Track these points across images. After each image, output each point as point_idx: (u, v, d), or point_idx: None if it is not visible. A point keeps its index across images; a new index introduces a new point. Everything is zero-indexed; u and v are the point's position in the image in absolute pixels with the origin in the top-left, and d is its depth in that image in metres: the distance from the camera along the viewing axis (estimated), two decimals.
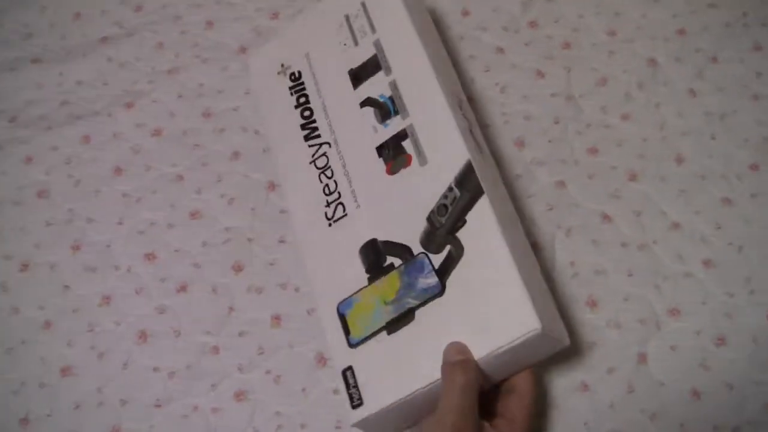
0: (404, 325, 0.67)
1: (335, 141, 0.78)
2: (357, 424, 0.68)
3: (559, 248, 0.85)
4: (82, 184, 0.92)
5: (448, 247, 0.68)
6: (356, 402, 0.67)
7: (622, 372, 0.80)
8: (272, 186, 0.90)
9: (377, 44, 0.79)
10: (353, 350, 0.69)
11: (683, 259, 0.84)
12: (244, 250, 0.88)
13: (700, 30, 0.97)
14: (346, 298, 0.71)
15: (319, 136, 0.80)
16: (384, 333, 0.68)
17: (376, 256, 0.71)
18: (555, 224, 0.87)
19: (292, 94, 0.83)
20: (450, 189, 0.69)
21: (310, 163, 0.79)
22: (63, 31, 1.03)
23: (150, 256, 0.88)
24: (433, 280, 0.67)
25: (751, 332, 0.81)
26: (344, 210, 0.75)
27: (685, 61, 0.95)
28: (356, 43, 0.81)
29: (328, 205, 0.76)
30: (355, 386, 0.68)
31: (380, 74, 0.78)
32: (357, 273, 0.72)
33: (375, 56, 0.79)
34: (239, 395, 0.81)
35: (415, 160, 0.73)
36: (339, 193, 0.76)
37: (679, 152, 0.90)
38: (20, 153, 0.95)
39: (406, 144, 0.74)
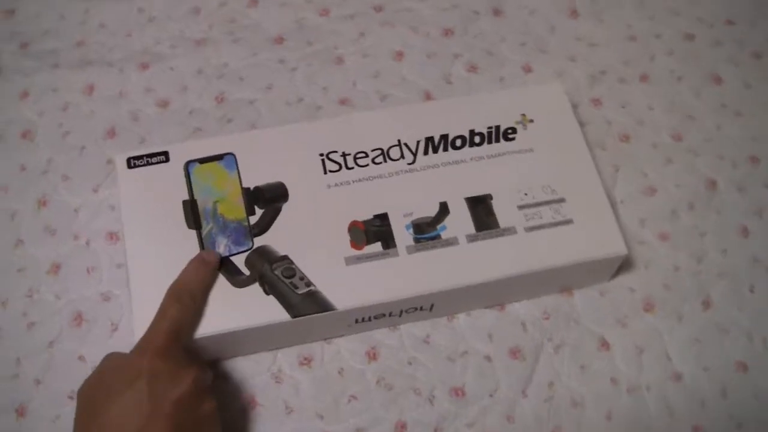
0: (189, 223, 0.72)
1: (413, 164, 0.77)
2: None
3: (542, 363, 0.76)
4: (71, 137, 0.85)
5: (247, 274, 0.71)
6: (132, 165, 0.75)
7: None
8: None
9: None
10: (182, 164, 0.74)
11: (674, 416, 0.75)
12: None
13: None
14: (237, 166, 0.75)
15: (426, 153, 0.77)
16: (187, 199, 0.73)
17: (270, 198, 0.74)
18: (546, 335, 0.77)
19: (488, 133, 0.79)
20: (308, 284, 0.70)
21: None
22: None
23: (113, 236, 0.80)
24: (222, 250, 0.72)
25: None
26: (333, 169, 0.76)
27: (748, 193, 0.85)
28: (521, 206, 0.75)
29: (343, 155, 0.77)
30: (147, 163, 0.75)
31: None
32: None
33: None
34: None
35: (361, 252, 0.73)
36: (345, 166, 0.76)
37: (709, 295, 0.80)
38: (18, 85, 0.88)
39: (376, 244, 0.73)
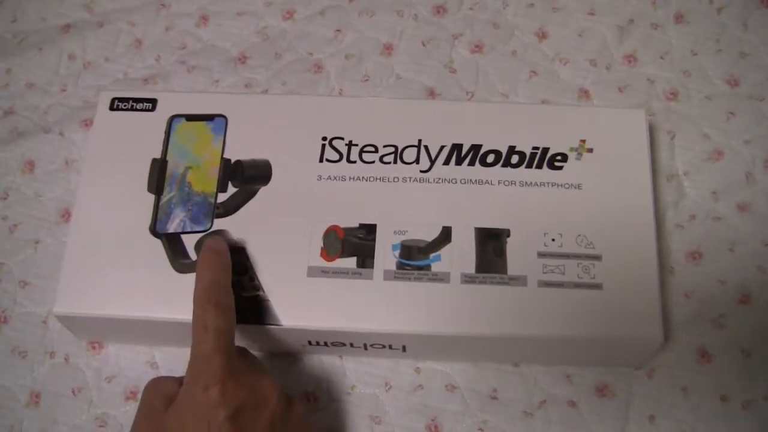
0: (151, 186, 0.64)
1: (427, 173, 0.64)
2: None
3: (636, 394, 0.63)
4: (19, 233, 0.71)
5: (194, 259, 0.61)
6: (115, 107, 0.67)
7: None
8: None
9: None
10: (166, 117, 0.66)
11: None
12: None
13: None
14: (225, 131, 0.65)
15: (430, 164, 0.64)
16: (158, 158, 0.64)
17: (249, 177, 0.64)
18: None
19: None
20: (256, 288, 0.60)
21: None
22: (15, 10, 0.79)
23: (95, 345, 0.67)
24: (175, 225, 0.63)
25: None
26: (331, 159, 0.65)
27: None
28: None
29: (349, 144, 0.65)
30: (131, 108, 0.67)
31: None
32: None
33: None
34: None
35: (330, 264, 0.61)
36: (347, 158, 0.65)
37: None
38: None
39: (351, 259, 0.61)
